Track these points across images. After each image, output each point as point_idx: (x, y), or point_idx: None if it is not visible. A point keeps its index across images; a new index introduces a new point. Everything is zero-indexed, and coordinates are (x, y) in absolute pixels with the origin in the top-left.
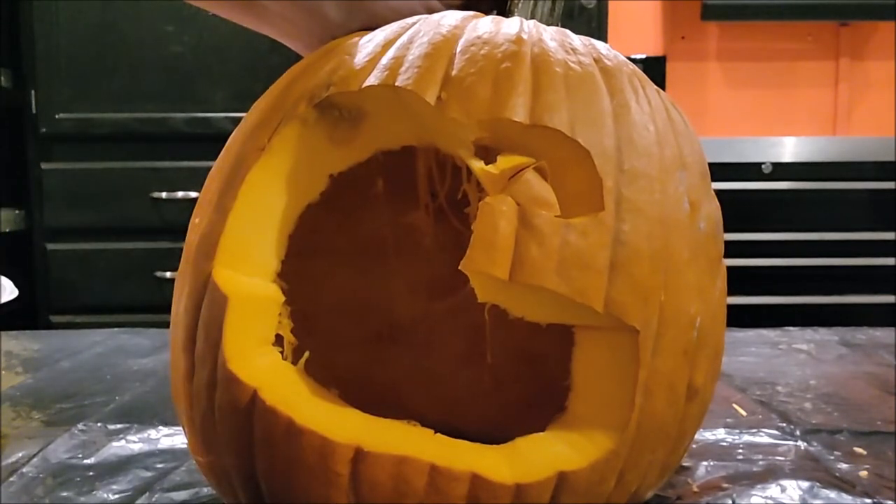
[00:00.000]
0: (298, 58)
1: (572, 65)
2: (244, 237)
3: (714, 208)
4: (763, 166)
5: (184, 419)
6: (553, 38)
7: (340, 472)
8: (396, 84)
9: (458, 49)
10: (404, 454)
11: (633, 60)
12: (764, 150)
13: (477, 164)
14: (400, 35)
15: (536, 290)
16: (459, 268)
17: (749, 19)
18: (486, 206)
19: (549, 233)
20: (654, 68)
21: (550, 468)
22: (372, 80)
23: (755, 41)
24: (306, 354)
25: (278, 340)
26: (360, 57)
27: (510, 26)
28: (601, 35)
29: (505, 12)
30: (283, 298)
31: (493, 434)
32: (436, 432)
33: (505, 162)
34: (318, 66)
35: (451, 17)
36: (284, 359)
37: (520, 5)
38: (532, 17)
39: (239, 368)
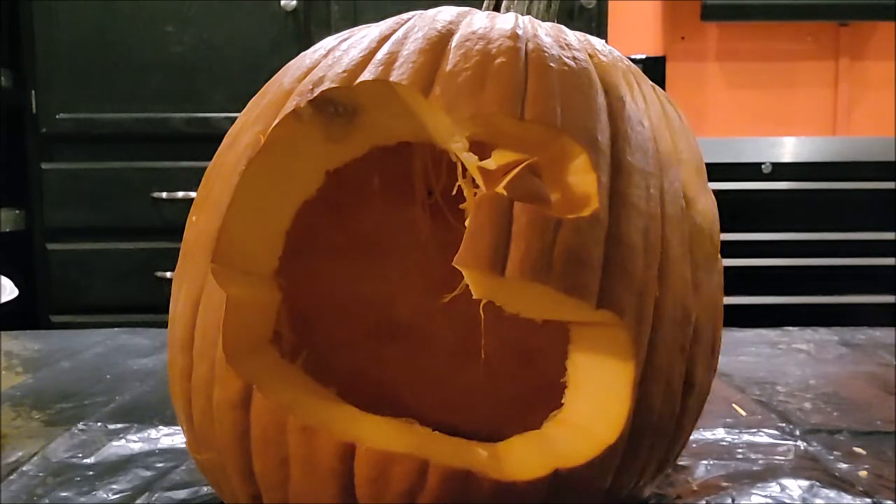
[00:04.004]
0: None
1: (567, 60)
2: (241, 235)
3: (710, 203)
4: (763, 166)
5: (182, 417)
6: (548, 33)
7: (336, 469)
8: (391, 79)
9: (453, 44)
10: (400, 451)
11: (633, 60)
12: (763, 151)
13: (471, 160)
14: (395, 30)
15: (530, 286)
16: (453, 264)
17: (749, 19)
18: (480, 201)
19: (542, 229)
20: (654, 68)
21: (547, 466)
22: (367, 75)
23: (755, 41)
24: (304, 353)
25: (276, 338)
26: (356, 52)
27: (505, 22)
28: (601, 35)
29: (501, 9)
30: (280, 296)
31: (491, 432)
32: (433, 430)
33: (499, 157)
34: (313, 62)
35: (447, 13)
36: (283, 356)
37: (515, 2)
38: (528, 14)
39: (236, 366)
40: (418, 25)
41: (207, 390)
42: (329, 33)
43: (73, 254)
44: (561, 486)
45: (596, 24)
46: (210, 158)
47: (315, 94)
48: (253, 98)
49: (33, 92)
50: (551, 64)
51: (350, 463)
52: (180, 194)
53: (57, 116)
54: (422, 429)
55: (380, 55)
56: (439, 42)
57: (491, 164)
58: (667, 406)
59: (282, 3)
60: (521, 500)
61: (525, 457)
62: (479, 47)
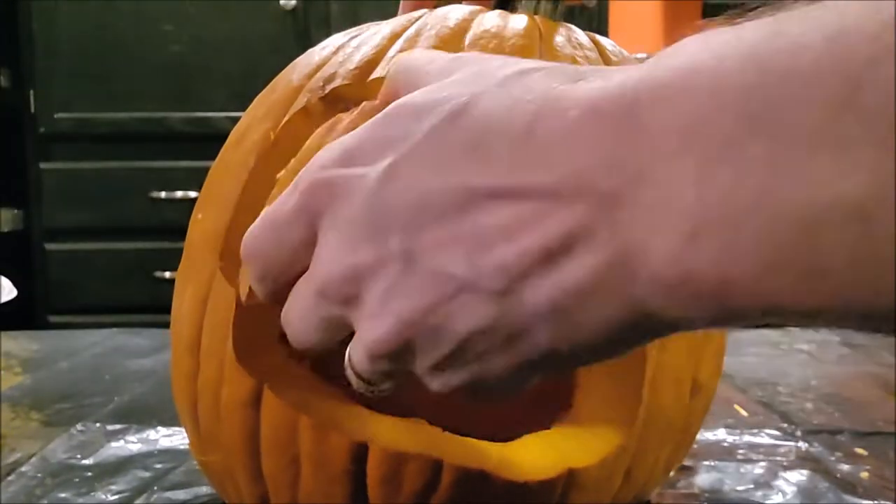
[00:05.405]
0: (295, 58)
1: (580, 59)
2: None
3: None
4: None
5: (186, 419)
6: (560, 33)
7: (348, 469)
8: None
9: (467, 43)
10: (412, 451)
11: None
12: None
13: None
14: (407, 28)
15: None
16: None
17: None
18: None
19: None
20: None
21: (560, 465)
22: (380, 71)
23: None
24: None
25: (283, 338)
26: (367, 49)
27: (518, 21)
28: (601, 35)
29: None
30: None
31: (498, 433)
32: (444, 430)
33: None
34: (322, 59)
35: (458, 11)
36: (291, 356)
37: (523, 2)
38: (535, 14)
39: (247, 365)
40: (430, 23)
41: (215, 390)
42: (328, 32)
43: (71, 254)
44: (573, 485)
45: (597, 23)
46: (209, 158)
47: (326, 91)
48: (259, 95)
49: (31, 91)
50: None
51: (363, 462)
52: (179, 194)
53: (55, 116)
54: (433, 429)
55: (392, 52)
56: (452, 40)
57: None
58: (676, 406)
59: (281, 2)
60: (534, 500)
61: (537, 457)
62: (492, 45)
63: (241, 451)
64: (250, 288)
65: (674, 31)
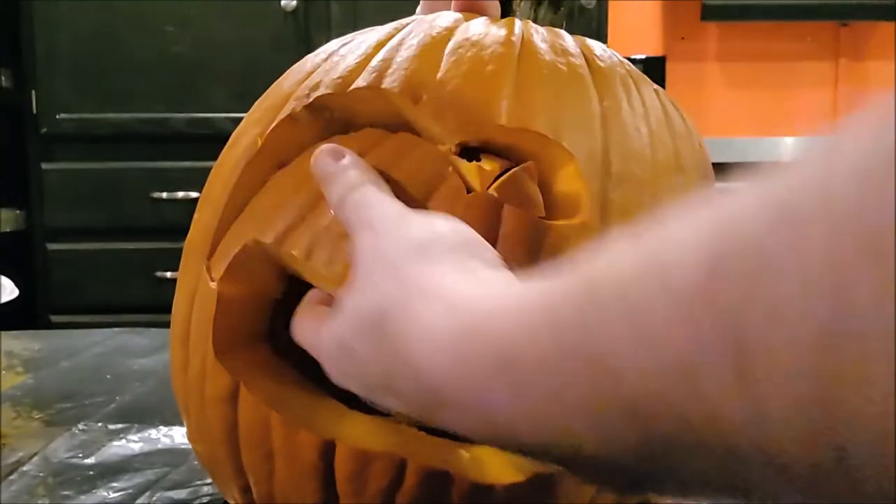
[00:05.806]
0: (298, 59)
1: (560, 66)
2: (238, 233)
3: None
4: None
5: (182, 408)
6: (545, 39)
7: (317, 465)
8: (382, 86)
9: (447, 51)
10: (378, 450)
11: (633, 61)
12: (764, 150)
13: (460, 164)
14: (392, 36)
15: None
16: None
17: (749, 20)
18: (470, 202)
19: (528, 233)
20: (654, 68)
21: (527, 470)
22: (360, 81)
23: (755, 41)
24: (296, 350)
25: (272, 335)
26: (352, 58)
27: (501, 28)
28: (601, 35)
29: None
30: (277, 293)
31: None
32: (428, 432)
33: (488, 163)
34: (313, 66)
35: (444, 19)
36: (277, 353)
37: (521, 4)
38: (534, 18)
39: (225, 361)
40: (414, 31)
41: (200, 384)
42: (329, 33)
43: (72, 254)
44: (541, 490)
45: (596, 24)
46: (210, 159)
47: (311, 99)
48: (259, 99)
49: (34, 92)
50: (544, 71)
51: (331, 460)
52: (180, 194)
53: (57, 116)
54: (406, 428)
55: (374, 62)
56: (433, 48)
57: (485, 166)
58: None
59: (282, 3)
60: (500, 502)
61: (508, 460)
62: (470, 54)
63: (223, 444)
64: (223, 276)
65: (673, 31)
